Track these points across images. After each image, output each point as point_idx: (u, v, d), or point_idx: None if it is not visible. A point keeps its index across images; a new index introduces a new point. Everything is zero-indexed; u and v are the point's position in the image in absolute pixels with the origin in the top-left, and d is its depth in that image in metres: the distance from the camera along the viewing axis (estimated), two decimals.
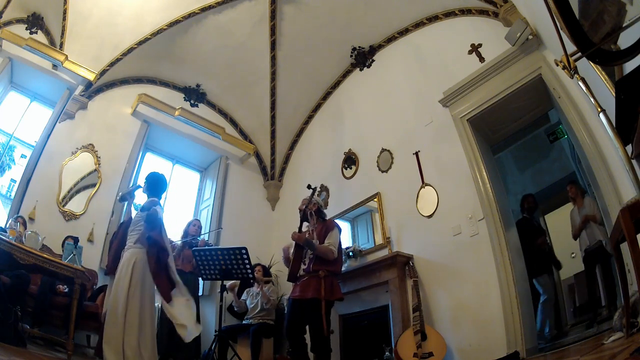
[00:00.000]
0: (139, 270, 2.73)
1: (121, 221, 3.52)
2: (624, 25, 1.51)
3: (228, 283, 3.54)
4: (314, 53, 5.46)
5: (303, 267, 3.23)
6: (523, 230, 3.97)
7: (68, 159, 4.57)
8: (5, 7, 4.48)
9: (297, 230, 3.28)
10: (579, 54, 1.56)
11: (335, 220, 3.74)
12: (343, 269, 4.24)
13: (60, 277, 3.07)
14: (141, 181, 3.26)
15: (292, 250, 3.32)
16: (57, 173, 4.43)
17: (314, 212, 3.39)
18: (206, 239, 4.36)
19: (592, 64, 1.86)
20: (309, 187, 3.41)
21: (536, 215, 4.29)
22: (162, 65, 5.51)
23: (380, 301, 3.96)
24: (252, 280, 3.88)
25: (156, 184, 3.19)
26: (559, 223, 4.09)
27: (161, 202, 3.18)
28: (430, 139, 4.20)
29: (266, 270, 4.57)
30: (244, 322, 4.24)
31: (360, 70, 5.51)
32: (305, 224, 3.43)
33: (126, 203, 3.22)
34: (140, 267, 2.74)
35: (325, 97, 5.99)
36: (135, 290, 2.67)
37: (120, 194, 3.32)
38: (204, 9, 4.84)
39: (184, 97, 5.88)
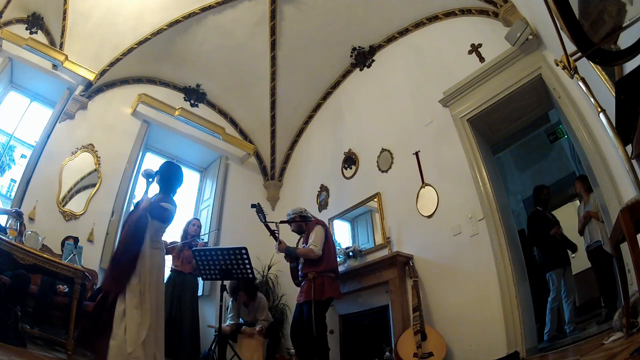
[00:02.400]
0: (154, 272, 2.67)
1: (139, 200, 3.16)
2: (624, 25, 1.51)
3: (225, 325, 3.55)
4: (314, 53, 5.46)
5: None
6: (536, 223, 3.99)
7: (68, 159, 4.57)
8: (5, 7, 4.47)
9: (277, 244, 3.50)
10: (579, 54, 1.55)
11: (322, 219, 3.84)
12: (343, 268, 4.27)
13: (60, 277, 3.07)
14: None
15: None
16: (57, 173, 4.43)
17: (299, 221, 3.59)
18: (205, 240, 4.34)
19: (592, 64, 1.87)
20: (252, 206, 3.56)
21: (549, 208, 4.15)
22: (162, 65, 5.51)
23: (380, 301, 3.96)
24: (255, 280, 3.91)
25: (169, 179, 2.90)
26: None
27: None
28: (430, 139, 4.20)
29: (252, 290, 4.06)
30: (241, 321, 4.23)
31: (360, 70, 5.51)
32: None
33: (146, 181, 2.90)
34: (155, 269, 2.69)
35: (325, 97, 5.99)
36: (150, 291, 2.60)
37: (146, 170, 2.96)
38: (204, 9, 4.83)
39: (184, 97, 5.88)
